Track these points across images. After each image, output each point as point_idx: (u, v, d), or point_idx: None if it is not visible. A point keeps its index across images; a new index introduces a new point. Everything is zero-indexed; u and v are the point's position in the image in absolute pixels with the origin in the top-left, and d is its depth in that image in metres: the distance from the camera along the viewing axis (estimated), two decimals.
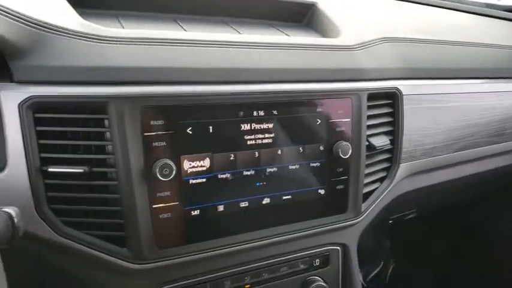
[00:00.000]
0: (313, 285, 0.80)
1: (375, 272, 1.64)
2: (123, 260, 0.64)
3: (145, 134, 0.60)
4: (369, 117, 0.78)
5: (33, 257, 0.67)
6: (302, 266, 0.82)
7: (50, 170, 0.59)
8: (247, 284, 0.78)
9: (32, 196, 0.58)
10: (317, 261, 0.83)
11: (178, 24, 0.75)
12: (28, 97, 0.55)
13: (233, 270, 0.76)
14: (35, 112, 0.57)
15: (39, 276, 0.74)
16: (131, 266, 0.64)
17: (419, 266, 1.67)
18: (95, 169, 0.61)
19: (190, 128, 0.63)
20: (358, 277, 0.90)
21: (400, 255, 1.66)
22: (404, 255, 1.66)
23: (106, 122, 0.60)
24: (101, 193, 0.63)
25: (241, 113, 0.66)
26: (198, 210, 0.67)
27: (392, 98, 0.83)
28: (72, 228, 0.61)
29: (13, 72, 0.56)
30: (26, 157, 0.58)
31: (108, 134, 0.60)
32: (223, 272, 0.75)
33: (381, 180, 0.86)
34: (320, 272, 0.84)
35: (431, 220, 1.54)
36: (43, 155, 0.59)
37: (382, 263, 1.65)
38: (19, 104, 0.55)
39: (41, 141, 0.59)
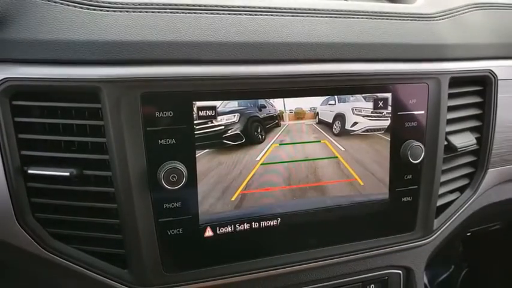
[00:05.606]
0: None
1: (444, 276, 1.51)
2: (122, 284, 0.55)
3: (148, 128, 0.50)
4: (450, 109, 0.65)
5: (19, 270, 0.60)
6: None
7: (30, 171, 0.50)
8: None
9: (11, 202, 0.50)
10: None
11: None
12: (3, 79, 0.47)
13: None
14: (12, 99, 0.49)
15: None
16: None
17: (496, 274, 1.49)
18: (87, 172, 0.51)
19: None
20: None
21: (475, 260, 1.50)
22: (480, 260, 1.50)
23: (101, 112, 0.50)
24: (95, 201, 0.52)
25: None
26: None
27: (483, 84, 0.69)
28: (62, 242, 0.53)
29: None
30: (1, 154, 0.49)
31: (103, 129, 0.50)
32: None
33: (461, 189, 0.73)
34: None
35: None
36: (24, 152, 0.50)
37: (453, 267, 1.51)
38: None
39: (21, 136, 0.50)
